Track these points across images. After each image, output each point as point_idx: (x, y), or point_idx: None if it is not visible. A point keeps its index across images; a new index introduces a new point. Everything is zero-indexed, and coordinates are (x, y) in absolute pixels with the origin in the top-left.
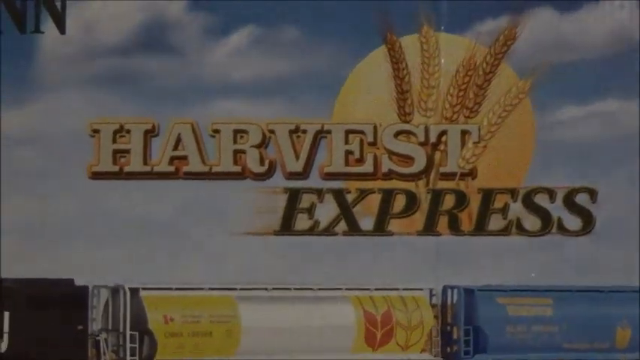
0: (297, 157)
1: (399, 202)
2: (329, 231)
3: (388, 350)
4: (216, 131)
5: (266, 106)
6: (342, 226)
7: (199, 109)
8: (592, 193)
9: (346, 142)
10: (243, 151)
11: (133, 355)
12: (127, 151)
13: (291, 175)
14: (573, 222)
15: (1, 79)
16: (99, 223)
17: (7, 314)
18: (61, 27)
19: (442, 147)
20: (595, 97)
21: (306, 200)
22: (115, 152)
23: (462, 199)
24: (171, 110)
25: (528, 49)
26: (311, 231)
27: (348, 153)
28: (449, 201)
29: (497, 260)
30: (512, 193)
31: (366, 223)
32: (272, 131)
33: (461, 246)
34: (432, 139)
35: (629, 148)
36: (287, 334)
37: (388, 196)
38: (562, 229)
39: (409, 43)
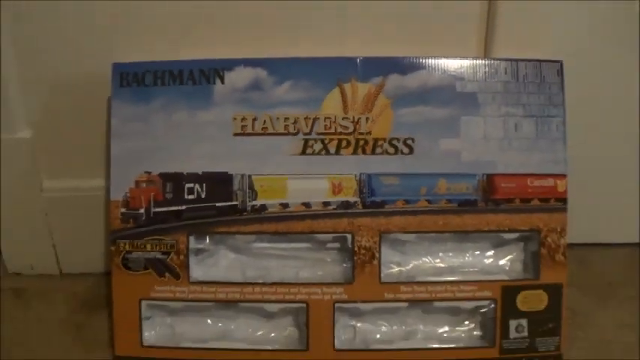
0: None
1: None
2: (320, 154)
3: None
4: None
5: None
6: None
7: None
8: (412, 140)
9: None
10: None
11: (249, 197)
12: None
13: (305, 135)
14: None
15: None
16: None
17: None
18: None
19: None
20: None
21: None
22: None
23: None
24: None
25: (392, 90)
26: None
27: None
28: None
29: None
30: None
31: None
32: None
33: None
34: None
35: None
36: (302, 190)
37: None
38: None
39: (348, 88)
